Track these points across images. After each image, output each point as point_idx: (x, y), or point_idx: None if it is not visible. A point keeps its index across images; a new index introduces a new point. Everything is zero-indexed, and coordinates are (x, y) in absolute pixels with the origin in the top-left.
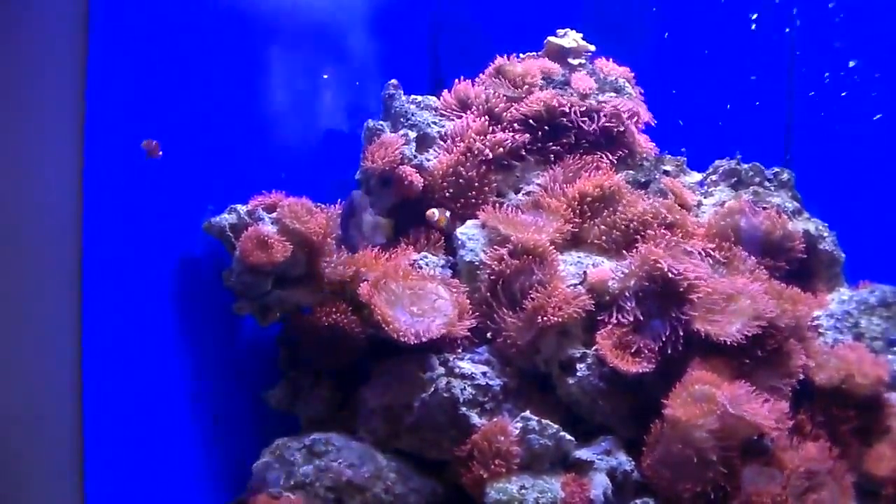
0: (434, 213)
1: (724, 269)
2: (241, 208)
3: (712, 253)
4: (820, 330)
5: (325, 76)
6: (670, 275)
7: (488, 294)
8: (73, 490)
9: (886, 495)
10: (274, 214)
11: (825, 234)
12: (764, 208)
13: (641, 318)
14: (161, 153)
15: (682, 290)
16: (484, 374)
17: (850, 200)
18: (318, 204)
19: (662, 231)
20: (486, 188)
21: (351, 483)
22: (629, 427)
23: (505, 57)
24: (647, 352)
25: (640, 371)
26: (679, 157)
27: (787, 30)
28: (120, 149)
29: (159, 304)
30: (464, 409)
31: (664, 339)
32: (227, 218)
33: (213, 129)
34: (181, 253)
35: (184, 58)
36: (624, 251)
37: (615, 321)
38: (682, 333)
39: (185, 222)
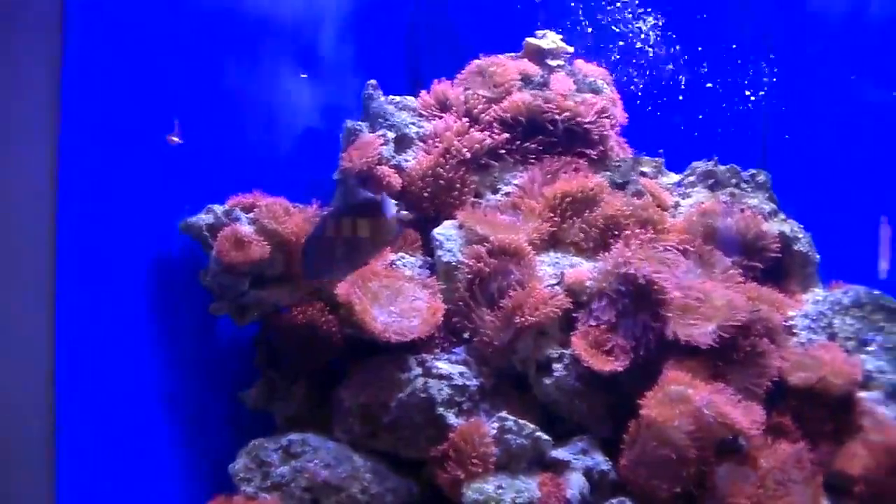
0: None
1: (700, 270)
2: (219, 208)
3: (689, 250)
4: (794, 330)
5: (304, 76)
6: (641, 278)
7: (466, 294)
8: (45, 491)
9: (858, 493)
10: (251, 214)
11: (800, 236)
12: (740, 209)
13: (617, 318)
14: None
15: (655, 290)
16: (461, 374)
17: (825, 202)
18: (296, 204)
19: (639, 231)
20: (465, 188)
21: (327, 483)
22: (606, 427)
23: (484, 57)
24: (621, 351)
25: (615, 370)
26: (657, 159)
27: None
28: (95, 147)
29: (134, 304)
30: (441, 409)
31: (638, 339)
32: (203, 218)
33: (190, 129)
34: (157, 253)
35: (160, 57)
36: (602, 252)
37: (591, 321)
38: (656, 334)
39: (161, 222)
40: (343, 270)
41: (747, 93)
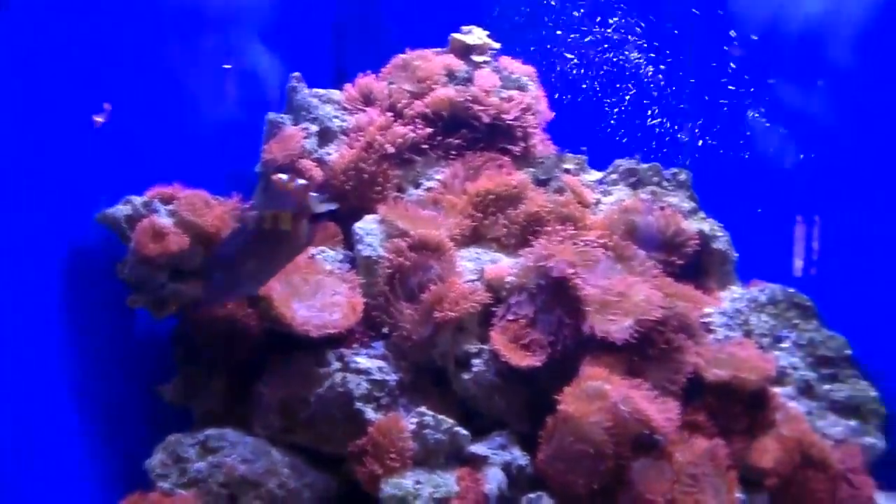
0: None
1: (620, 266)
2: (137, 199)
3: (609, 247)
4: (711, 327)
5: (227, 66)
6: (559, 273)
7: (386, 289)
8: None
9: (770, 486)
10: (171, 206)
11: (719, 234)
12: (661, 207)
13: (536, 313)
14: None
15: (573, 286)
16: (380, 368)
17: (744, 202)
18: (217, 196)
19: (560, 228)
20: (387, 183)
21: (245, 478)
22: (524, 422)
23: (409, 52)
24: (539, 346)
25: (532, 364)
26: (579, 156)
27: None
28: (6, 133)
29: (47, 296)
30: (359, 403)
31: (556, 335)
32: (121, 209)
33: (108, 119)
34: (72, 244)
35: (78, 42)
36: (522, 248)
37: (510, 316)
38: (574, 329)
39: (77, 212)
40: (251, 287)
41: (671, 89)
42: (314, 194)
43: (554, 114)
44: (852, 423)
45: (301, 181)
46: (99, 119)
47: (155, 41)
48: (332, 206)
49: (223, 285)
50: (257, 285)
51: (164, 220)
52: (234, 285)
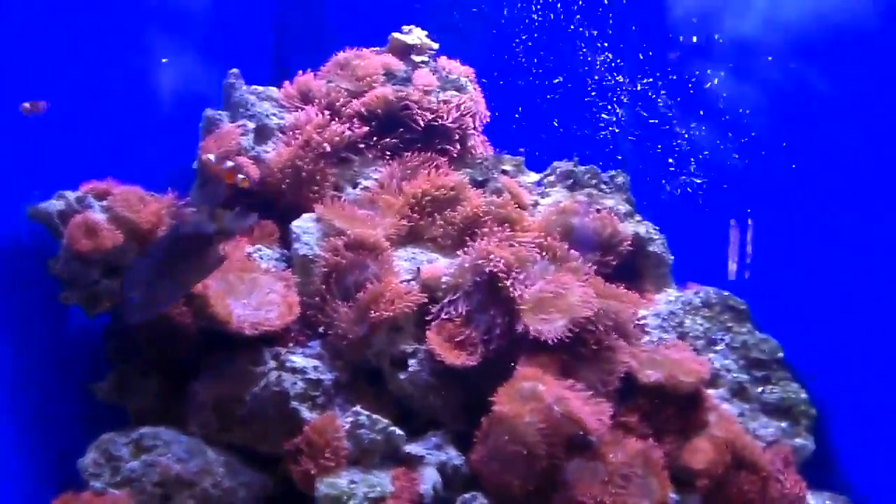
0: (210, 158)
1: (555, 267)
2: (70, 195)
3: (544, 249)
4: (646, 329)
5: (164, 61)
6: (494, 273)
7: (322, 287)
8: None
9: (702, 486)
10: (105, 202)
11: (655, 237)
12: (597, 210)
13: (471, 313)
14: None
15: (508, 286)
16: (315, 368)
17: (680, 205)
18: (152, 193)
19: (497, 229)
20: (324, 182)
21: (179, 478)
22: (460, 422)
23: (349, 51)
24: (474, 346)
25: (467, 364)
26: (517, 157)
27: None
28: None
29: None
30: (294, 402)
31: (491, 334)
32: (54, 204)
33: (43, 112)
34: (1, 239)
35: (9, 33)
36: (459, 248)
37: (446, 316)
38: (509, 329)
39: (8, 207)
40: (166, 303)
41: (610, 94)
42: (229, 213)
43: (489, 115)
44: (783, 424)
45: (229, 163)
46: (27, 106)
47: (91, 34)
48: (252, 222)
49: (140, 305)
50: (172, 301)
51: (97, 216)
52: (149, 305)
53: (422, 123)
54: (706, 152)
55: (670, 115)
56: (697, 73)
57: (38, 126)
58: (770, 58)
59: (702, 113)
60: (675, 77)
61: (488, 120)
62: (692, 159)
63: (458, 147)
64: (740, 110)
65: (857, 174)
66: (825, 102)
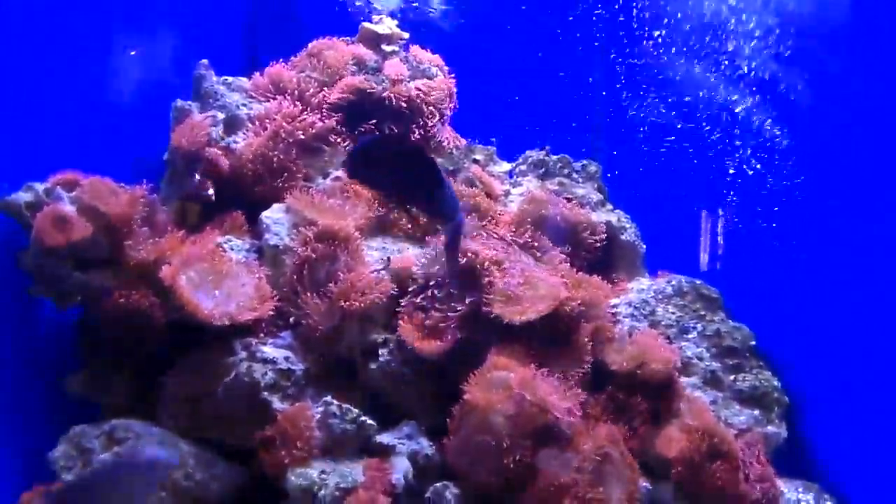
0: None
1: (527, 256)
2: (39, 186)
3: (516, 239)
4: (618, 317)
5: (133, 52)
6: (465, 262)
7: (293, 278)
8: None
9: (674, 474)
10: (74, 193)
11: (627, 226)
12: (568, 199)
13: (442, 302)
14: None
15: (480, 275)
16: (286, 358)
17: (652, 194)
18: (122, 184)
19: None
20: (294, 172)
21: None
22: (432, 412)
23: (319, 40)
24: (445, 335)
25: (437, 350)
26: (489, 147)
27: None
28: None
29: None
30: (265, 393)
31: (463, 324)
32: (23, 195)
33: (8, 103)
34: None
35: None
36: (428, 238)
37: (417, 305)
38: (481, 318)
39: None
40: None
41: (589, 79)
42: None
43: (457, 105)
44: (755, 412)
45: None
46: None
47: (59, 23)
48: None
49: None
50: None
51: (67, 208)
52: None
53: (392, 113)
54: (680, 141)
55: (644, 102)
56: (666, 59)
57: (6, 117)
58: (733, 43)
59: (672, 100)
60: (642, 62)
61: (458, 109)
62: (663, 148)
63: (429, 136)
64: (712, 98)
65: (829, 164)
66: (797, 92)
